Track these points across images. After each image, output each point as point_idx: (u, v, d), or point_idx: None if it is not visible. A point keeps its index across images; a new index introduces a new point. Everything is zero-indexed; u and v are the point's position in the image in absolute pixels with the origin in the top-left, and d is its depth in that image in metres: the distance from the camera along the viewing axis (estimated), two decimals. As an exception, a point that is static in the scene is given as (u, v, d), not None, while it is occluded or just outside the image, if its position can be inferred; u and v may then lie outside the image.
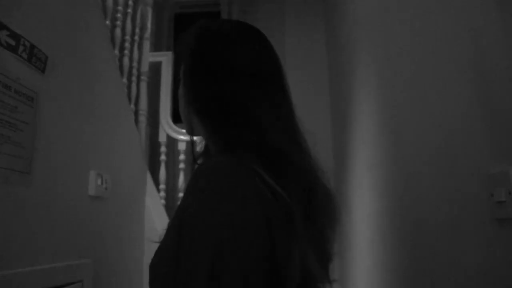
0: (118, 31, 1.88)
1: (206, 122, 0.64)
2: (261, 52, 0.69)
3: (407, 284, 1.26)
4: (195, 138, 0.75)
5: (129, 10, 2.06)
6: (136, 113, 2.07)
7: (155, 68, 2.55)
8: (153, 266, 0.56)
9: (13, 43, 0.98)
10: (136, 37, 2.18)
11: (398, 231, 1.32)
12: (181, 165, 2.26)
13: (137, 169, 1.90)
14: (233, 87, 0.62)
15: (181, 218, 0.52)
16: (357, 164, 1.84)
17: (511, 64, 0.70)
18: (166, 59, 2.58)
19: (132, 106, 1.99)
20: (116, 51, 1.79)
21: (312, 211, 0.57)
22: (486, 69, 0.78)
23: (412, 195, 1.20)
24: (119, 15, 1.92)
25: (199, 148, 0.78)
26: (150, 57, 2.36)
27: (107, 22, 1.69)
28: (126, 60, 1.96)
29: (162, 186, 2.21)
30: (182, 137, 2.32)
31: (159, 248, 0.57)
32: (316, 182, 0.61)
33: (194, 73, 0.66)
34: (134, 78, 2.09)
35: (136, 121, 2.07)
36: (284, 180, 0.54)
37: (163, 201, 2.16)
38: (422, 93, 1.11)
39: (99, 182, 1.39)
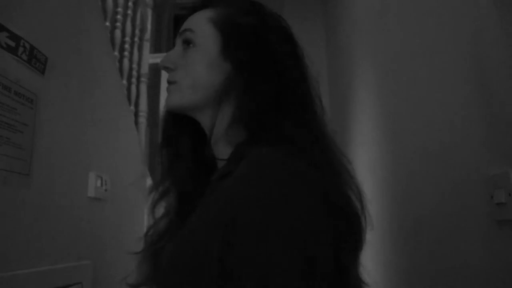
0: (118, 33, 1.88)
1: (258, 110, 0.56)
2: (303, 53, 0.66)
3: (407, 285, 1.26)
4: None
5: (129, 12, 2.06)
6: (136, 114, 2.07)
7: (155, 70, 2.55)
8: (178, 257, 0.50)
9: (13, 44, 0.98)
10: (136, 39, 2.18)
11: (398, 233, 1.32)
12: (181, 167, 2.26)
13: (137, 171, 1.90)
14: (297, 82, 0.59)
15: (243, 220, 0.44)
16: (357, 166, 1.84)
17: (511, 65, 0.70)
18: (166, 60, 2.58)
19: (132, 107, 1.99)
20: (116, 53, 1.80)
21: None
22: (486, 70, 0.78)
23: (412, 196, 1.20)
24: (119, 16, 1.92)
25: None
26: (150, 58, 2.36)
27: (107, 23, 1.69)
28: (126, 62, 1.96)
29: (162, 188, 2.21)
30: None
31: (186, 240, 0.51)
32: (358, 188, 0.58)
33: (266, 56, 0.59)
34: (134, 80, 2.09)
35: (136, 122, 2.07)
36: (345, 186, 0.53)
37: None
38: (422, 95, 1.11)
39: (98, 183, 1.39)
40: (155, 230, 0.67)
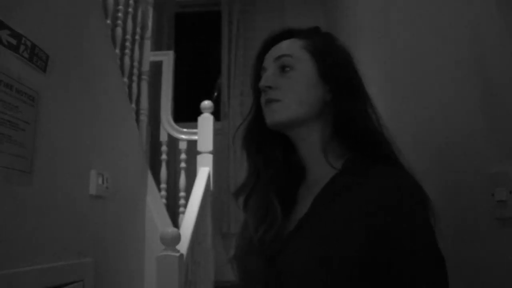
0: (119, 31, 1.88)
1: (361, 127, 0.69)
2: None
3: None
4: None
5: (130, 10, 2.06)
6: (137, 112, 2.07)
7: (156, 68, 2.55)
8: (317, 265, 0.60)
9: (14, 42, 0.98)
10: (137, 37, 2.18)
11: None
12: (182, 164, 2.26)
13: (138, 168, 1.90)
14: (371, 100, 0.74)
15: (394, 228, 0.58)
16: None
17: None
18: (167, 58, 2.58)
19: (133, 105, 1.99)
20: (117, 51, 1.79)
21: None
22: (487, 69, 0.78)
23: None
24: (120, 14, 1.92)
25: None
26: (151, 56, 2.36)
27: (108, 21, 1.69)
28: (127, 60, 1.96)
29: (163, 185, 2.22)
30: (183, 136, 2.32)
31: (319, 248, 0.61)
32: None
33: (355, 81, 0.73)
34: (135, 78, 2.09)
35: (137, 120, 2.07)
36: None
37: (164, 200, 2.16)
38: (423, 94, 1.11)
39: (100, 181, 1.39)
40: (255, 229, 0.71)
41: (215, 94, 3.37)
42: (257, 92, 0.76)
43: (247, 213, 0.76)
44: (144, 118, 2.17)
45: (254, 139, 0.77)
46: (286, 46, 0.74)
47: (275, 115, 0.71)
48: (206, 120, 2.26)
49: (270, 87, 0.71)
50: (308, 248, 0.62)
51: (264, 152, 0.76)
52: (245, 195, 0.77)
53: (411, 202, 0.60)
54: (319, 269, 0.59)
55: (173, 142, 2.46)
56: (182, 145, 2.30)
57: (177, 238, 1.34)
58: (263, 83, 0.72)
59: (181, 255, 1.35)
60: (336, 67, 0.72)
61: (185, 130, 2.34)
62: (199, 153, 2.21)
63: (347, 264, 0.58)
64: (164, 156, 2.28)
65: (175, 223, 2.17)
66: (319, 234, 0.62)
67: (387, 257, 0.58)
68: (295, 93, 0.71)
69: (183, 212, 1.95)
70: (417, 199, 0.61)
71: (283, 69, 0.72)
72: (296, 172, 0.76)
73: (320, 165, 0.70)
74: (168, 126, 2.35)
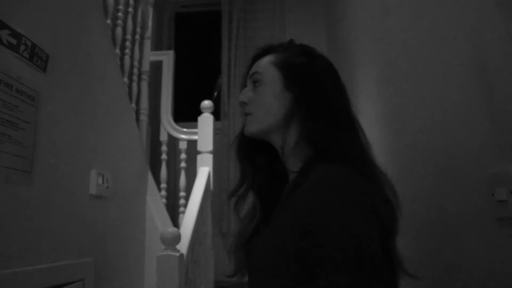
0: (119, 30, 1.88)
1: (316, 124, 0.72)
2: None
3: (407, 283, 1.26)
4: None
5: (130, 9, 2.06)
6: (137, 112, 2.07)
7: (156, 67, 2.55)
8: (265, 255, 0.67)
9: (14, 42, 0.98)
10: (137, 36, 2.18)
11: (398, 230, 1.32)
12: (182, 164, 2.26)
13: (138, 168, 1.90)
14: (344, 104, 0.77)
15: (309, 222, 0.60)
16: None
17: (511, 63, 0.70)
18: (167, 58, 2.57)
19: (133, 105, 1.99)
20: (117, 50, 1.79)
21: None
22: (487, 68, 0.78)
23: (412, 194, 1.20)
24: (120, 14, 1.92)
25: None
26: (151, 56, 2.36)
27: (108, 21, 1.69)
28: (127, 59, 1.96)
29: (163, 185, 2.22)
30: (183, 136, 2.32)
31: (269, 240, 0.68)
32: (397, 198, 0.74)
33: (319, 87, 0.76)
34: (135, 77, 2.09)
35: (137, 120, 2.07)
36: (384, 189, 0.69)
37: (164, 200, 2.16)
38: (423, 93, 1.11)
39: (100, 181, 1.39)
40: (244, 226, 0.83)
41: (215, 94, 3.37)
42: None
43: (237, 214, 0.86)
44: (144, 117, 2.17)
45: (242, 148, 0.85)
46: (258, 64, 0.82)
47: (248, 126, 0.80)
48: (206, 120, 2.26)
49: (245, 103, 0.81)
50: (262, 241, 0.71)
51: (251, 160, 0.85)
52: (236, 198, 0.85)
53: (326, 198, 0.61)
54: (265, 259, 0.66)
55: (173, 142, 2.46)
56: (182, 145, 2.30)
57: (177, 238, 1.34)
58: (239, 99, 0.82)
59: (181, 254, 1.35)
60: (298, 77, 0.77)
61: (185, 130, 2.34)
62: (199, 153, 2.21)
63: (283, 255, 0.63)
64: (164, 156, 2.28)
65: (175, 223, 2.17)
66: (270, 229, 0.70)
67: (307, 249, 0.60)
68: (261, 105, 0.79)
69: (183, 212, 1.95)
70: (335, 195, 0.61)
71: (254, 84, 0.81)
72: (282, 176, 0.81)
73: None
74: (168, 126, 2.36)
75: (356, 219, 0.59)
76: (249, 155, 0.85)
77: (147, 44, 2.30)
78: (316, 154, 0.70)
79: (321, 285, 0.56)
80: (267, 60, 0.82)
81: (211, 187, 2.19)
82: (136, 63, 2.13)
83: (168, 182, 2.28)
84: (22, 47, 1.01)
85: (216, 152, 2.30)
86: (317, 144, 0.71)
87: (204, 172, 2.10)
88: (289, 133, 0.76)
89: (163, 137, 2.33)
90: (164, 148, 2.30)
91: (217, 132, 2.45)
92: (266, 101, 0.78)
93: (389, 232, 0.67)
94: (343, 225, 0.58)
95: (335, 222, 0.58)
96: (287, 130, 0.76)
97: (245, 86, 0.85)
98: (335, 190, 0.61)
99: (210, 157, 2.21)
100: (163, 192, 2.19)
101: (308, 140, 0.72)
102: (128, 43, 2.01)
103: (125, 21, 1.99)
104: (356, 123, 0.77)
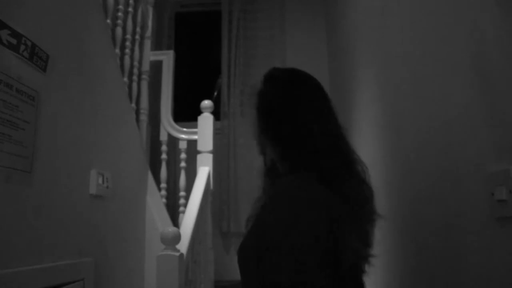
0: (119, 30, 1.88)
1: (278, 148, 0.85)
2: (314, 93, 0.88)
3: (407, 282, 1.27)
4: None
5: (130, 9, 2.06)
6: (137, 112, 2.07)
7: (156, 67, 2.55)
8: (243, 249, 0.79)
9: (14, 42, 0.98)
10: (137, 36, 2.18)
11: (398, 230, 1.32)
12: (182, 164, 2.26)
13: (138, 168, 1.90)
14: (296, 122, 0.82)
15: (266, 222, 0.73)
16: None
17: (511, 63, 0.70)
18: (167, 58, 2.57)
19: (133, 105, 1.99)
20: (117, 50, 1.79)
21: (358, 214, 0.76)
22: (487, 68, 0.78)
23: (412, 194, 1.20)
24: (120, 14, 1.92)
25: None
26: (151, 56, 2.36)
27: (108, 21, 1.69)
28: (127, 59, 1.96)
29: (163, 185, 2.22)
30: (183, 136, 2.32)
31: (247, 237, 0.78)
32: (359, 192, 0.79)
33: (268, 111, 0.87)
34: (135, 77, 2.09)
35: (137, 120, 2.07)
36: (338, 191, 0.74)
37: (164, 200, 2.16)
38: (423, 93, 1.11)
39: (100, 181, 1.39)
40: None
41: (215, 93, 3.37)
42: None
43: None
44: (144, 117, 2.17)
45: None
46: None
47: None
48: (206, 120, 2.26)
49: None
50: (242, 240, 0.81)
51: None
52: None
53: (274, 205, 0.74)
54: (240, 254, 0.79)
55: (173, 141, 2.46)
56: (182, 145, 2.30)
57: (177, 238, 1.34)
58: None
59: (181, 254, 1.35)
60: (256, 107, 0.90)
61: (185, 129, 2.34)
62: (199, 152, 2.22)
63: (249, 251, 0.76)
64: (164, 156, 2.28)
65: (175, 223, 2.17)
66: (247, 231, 0.81)
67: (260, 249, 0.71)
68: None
69: (183, 212, 1.95)
70: (283, 203, 0.73)
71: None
72: None
73: None
74: (168, 126, 2.35)
75: (296, 226, 0.68)
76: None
77: (147, 44, 2.30)
78: (287, 169, 0.83)
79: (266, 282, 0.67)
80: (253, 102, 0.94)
81: (211, 186, 2.19)
82: (136, 63, 2.13)
83: (168, 182, 2.28)
84: (22, 47, 1.01)
85: (216, 152, 2.30)
86: (282, 162, 0.85)
87: (204, 171, 2.10)
88: (268, 156, 0.91)
89: (163, 137, 2.33)
90: (164, 148, 2.29)
91: (217, 132, 2.45)
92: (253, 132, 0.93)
93: (342, 227, 0.72)
94: (283, 231, 0.68)
95: (278, 228, 0.69)
96: (266, 155, 0.91)
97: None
98: (283, 200, 0.73)
99: (210, 157, 2.21)
100: (163, 192, 2.19)
101: (276, 160, 0.87)
102: (128, 43, 2.01)
103: (125, 21, 1.99)
104: (316, 132, 0.81)
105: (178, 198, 2.23)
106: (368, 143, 1.72)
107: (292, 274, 0.64)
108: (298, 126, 0.82)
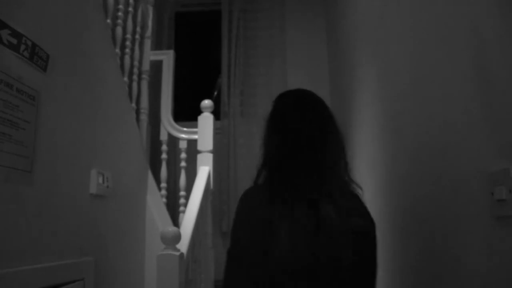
0: (119, 30, 1.88)
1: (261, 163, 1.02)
2: (284, 113, 1.03)
3: (408, 282, 1.27)
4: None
5: (130, 9, 2.06)
6: (137, 111, 2.07)
7: (156, 67, 2.55)
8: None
9: (14, 41, 0.98)
10: (137, 36, 2.18)
11: (398, 229, 1.32)
12: (182, 164, 2.26)
13: (138, 168, 1.90)
14: (266, 142, 1.01)
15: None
16: (359, 164, 1.84)
17: (511, 63, 0.70)
18: (167, 57, 2.57)
19: (133, 104, 1.99)
20: (117, 50, 1.79)
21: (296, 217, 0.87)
22: (487, 68, 0.79)
23: (412, 193, 1.20)
24: (120, 13, 1.92)
25: None
26: (151, 55, 2.36)
27: (108, 21, 1.69)
28: (127, 59, 1.96)
29: (163, 185, 2.22)
30: (183, 135, 2.32)
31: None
32: (300, 199, 0.89)
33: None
34: (135, 77, 2.09)
35: (137, 119, 2.07)
36: (279, 198, 0.88)
37: (164, 200, 2.16)
38: (423, 93, 1.11)
39: (100, 180, 1.39)
40: None
41: (215, 93, 3.37)
42: None
43: None
44: (144, 117, 2.17)
45: None
46: None
47: None
48: (206, 119, 2.26)
49: None
50: None
51: None
52: None
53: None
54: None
55: (173, 141, 2.46)
56: (182, 144, 2.30)
57: (177, 237, 1.34)
58: None
59: (182, 254, 1.35)
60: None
61: (185, 129, 2.34)
62: (199, 152, 2.22)
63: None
64: (164, 155, 2.28)
65: (175, 222, 2.17)
66: None
67: None
68: None
69: (183, 211, 1.95)
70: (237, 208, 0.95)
71: None
72: None
73: None
74: (168, 125, 2.36)
75: (236, 221, 0.93)
76: None
77: (147, 43, 2.30)
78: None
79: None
80: None
81: (211, 186, 2.19)
82: (136, 63, 2.13)
83: (168, 182, 2.28)
84: (23, 47, 1.01)
85: (216, 152, 2.30)
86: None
87: (204, 171, 2.10)
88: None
89: (163, 137, 2.33)
90: (164, 147, 2.30)
91: (217, 132, 2.45)
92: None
93: (270, 228, 0.85)
94: (233, 226, 0.93)
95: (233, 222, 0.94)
96: None
97: None
98: (239, 201, 0.95)
99: (210, 157, 2.21)
100: (163, 192, 2.19)
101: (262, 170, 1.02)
102: (128, 43, 2.01)
103: (125, 21, 1.99)
104: (268, 157, 0.99)
105: (178, 197, 2.23)
106: (368, 143, 1.72)
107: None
108: (266, 145, 1.02)
